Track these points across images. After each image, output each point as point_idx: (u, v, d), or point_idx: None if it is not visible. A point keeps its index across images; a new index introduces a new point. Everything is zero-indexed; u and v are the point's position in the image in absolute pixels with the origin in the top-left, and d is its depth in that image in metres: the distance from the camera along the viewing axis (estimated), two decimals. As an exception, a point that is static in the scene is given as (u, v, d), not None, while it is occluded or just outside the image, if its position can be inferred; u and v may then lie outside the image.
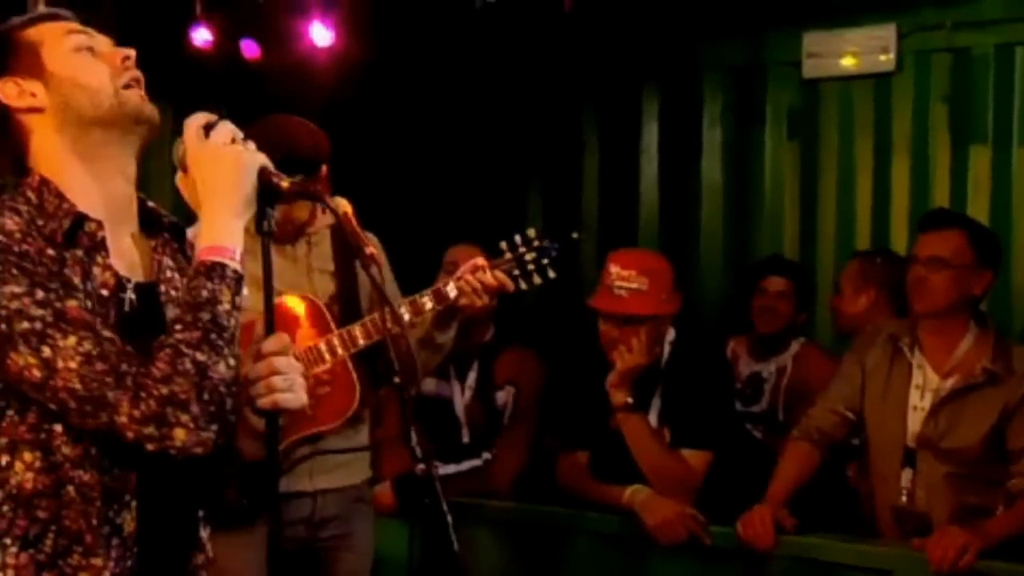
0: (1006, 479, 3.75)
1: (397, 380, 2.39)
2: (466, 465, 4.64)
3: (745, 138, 5.99)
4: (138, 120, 2.16)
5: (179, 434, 1.94)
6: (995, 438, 3.77)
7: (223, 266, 2.04)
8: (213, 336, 1.99)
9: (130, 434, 1.95)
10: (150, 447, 1.95)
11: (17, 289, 1.95)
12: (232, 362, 2.02)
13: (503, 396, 4.73)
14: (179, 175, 2.17)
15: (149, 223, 2.25)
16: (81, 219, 2.08)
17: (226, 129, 2.13)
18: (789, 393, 4.96)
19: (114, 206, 2.17)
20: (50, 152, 2.15)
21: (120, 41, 2.24)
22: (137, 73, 2.18)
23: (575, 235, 3.60)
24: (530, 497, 4.43)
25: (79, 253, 2.06)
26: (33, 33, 2.18)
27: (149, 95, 2.19)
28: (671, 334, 4.21)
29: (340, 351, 3.44)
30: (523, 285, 3.54)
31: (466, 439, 4.72)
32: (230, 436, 2.08)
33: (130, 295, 2.12)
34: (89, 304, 2.02)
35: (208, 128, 2.12)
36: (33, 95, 2.14)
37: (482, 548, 4.30)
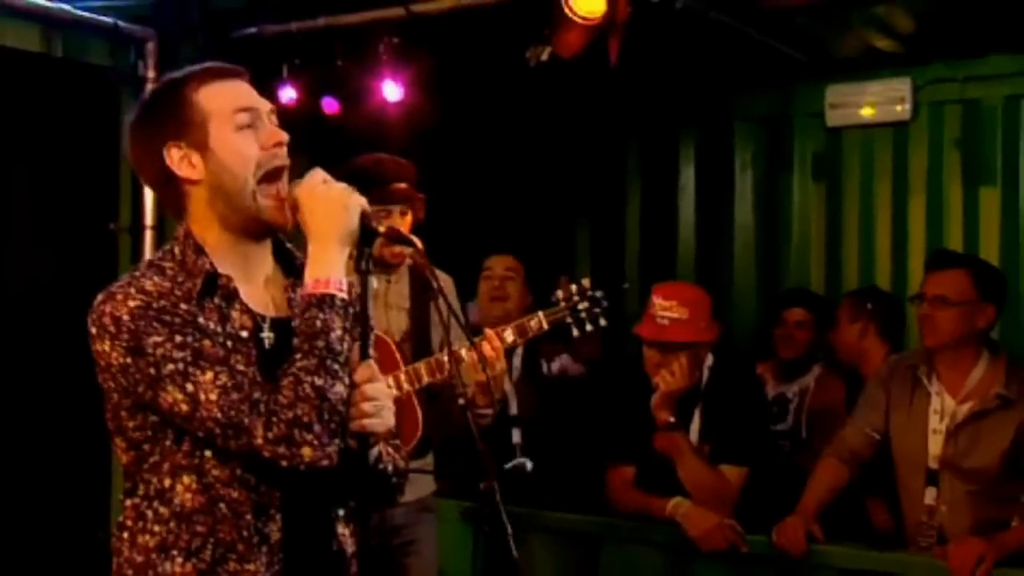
0: (1022, 495, 3.72)
1: (462, 402, 2.37)
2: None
3: (774, 181, 6.00)
4: (270, 226, 2.19)
5: (306, 452, 2.01)
6: (1012, 457, 3.74)
7: (332, 297, 2.09)
8: (328, 361, 2.05)
9: (266, 454, 2.02)
10: (283, 463, 2.02)
11: (159, 338, 2.03)
12: (347, 381, 2.08)
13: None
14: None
15: (284, 262, 2.28)
16: (214, 276, 2.13)
17: (322, 175, 2.17)
18: (811, 413, 4.96)
19: (250, 260, 2.22)
20: (200, 217, 2.19)
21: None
22: (282, 161, 2.18)
23: (625, 285, 3.58)
24: (581, 508, 4.39)
25: (217, 301, 2.12)
26: (205, 100, 2.16)
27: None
28: (710, 359, 4.19)
29: (406, 386, 3.43)
30: (575, 332, 3.52)
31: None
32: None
33: (267, 333, 2.17)
34: (229, 344, 2.09)
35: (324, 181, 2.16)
36: (192, 165, 2.15)
37: (537, 554, 4.27)
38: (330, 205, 2.12)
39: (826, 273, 5.80)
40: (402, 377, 3.43)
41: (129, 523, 2.14)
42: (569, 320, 3.50)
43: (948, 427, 3.84)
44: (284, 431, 2.00)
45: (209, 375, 2.02)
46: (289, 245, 2.29)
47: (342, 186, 2.16)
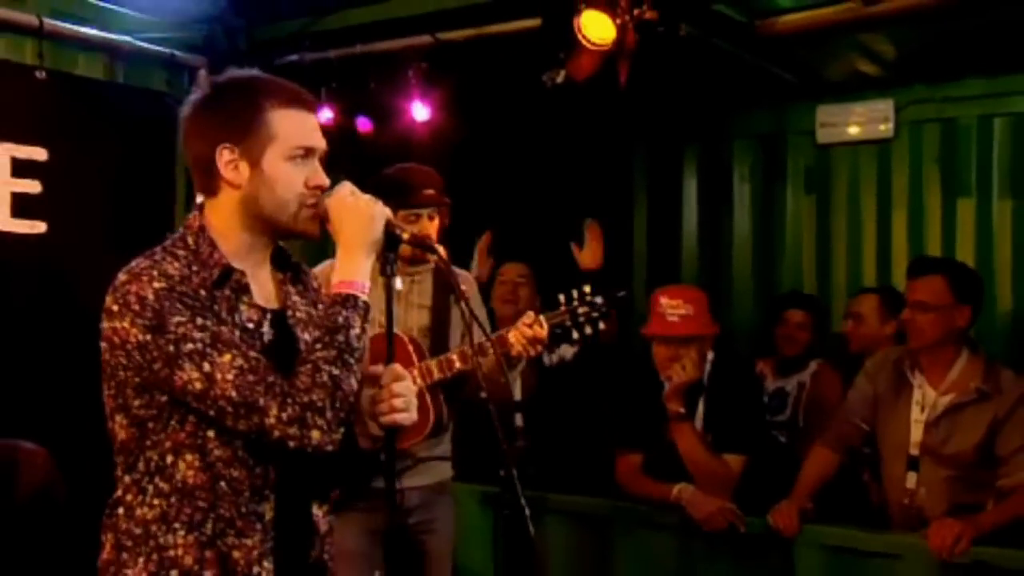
0: (995, 480, 3.70)
1: (484, 395, 2.34)
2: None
3: (769, 193, 6.00)
4: (302, 235, 2.16)
5: (315, 435, 1.99)
6: (986, 446, 3.72)
7: (355, 297, 2.09)
8: (346, 356, 2.04)
9: (276, 433, 1.99)
10: (291, 444, 1.99)
11: (181, 318, 2.00)
12: (359, 376, 2.07)
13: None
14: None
15: (278, 260, 2.25)
16: (229, 270, 2.11)
17: (350, 187, 2.15)
18: (808, 405, 4.93)
19: (258, 256, 2.20)
20: (225, 216, 2.15)
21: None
22: (318, 209, 2.12)
23: (621, 294, 3.53)
24: (591, 491, 4.36)
25: (227, 293, 2.10)
26: (276, 121, 2.10)
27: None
28: (711, 355, 4.16)
29: (419, 381, 3.40)
30: (574, 335, 3.47)
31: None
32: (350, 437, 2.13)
33: (267, 328, 2.14)
34: (237, 333, 2.07)
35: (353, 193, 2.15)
36: (238, 172, 2.10)
37: (551, 534, 4.26)
38: (357, 215, 2.11)
39: (817, 276, 5.80)
40: (415, 372, 3.40)
41: (129, 497, 2.08)
42: (569, 323, 3.46)
43: (929, 417, 3.82)
44: (298, 413, 1.97)
45: (227, 356, 1.98)
46: (283, 244, 2.25)
47: (368, 197, 2.14)
